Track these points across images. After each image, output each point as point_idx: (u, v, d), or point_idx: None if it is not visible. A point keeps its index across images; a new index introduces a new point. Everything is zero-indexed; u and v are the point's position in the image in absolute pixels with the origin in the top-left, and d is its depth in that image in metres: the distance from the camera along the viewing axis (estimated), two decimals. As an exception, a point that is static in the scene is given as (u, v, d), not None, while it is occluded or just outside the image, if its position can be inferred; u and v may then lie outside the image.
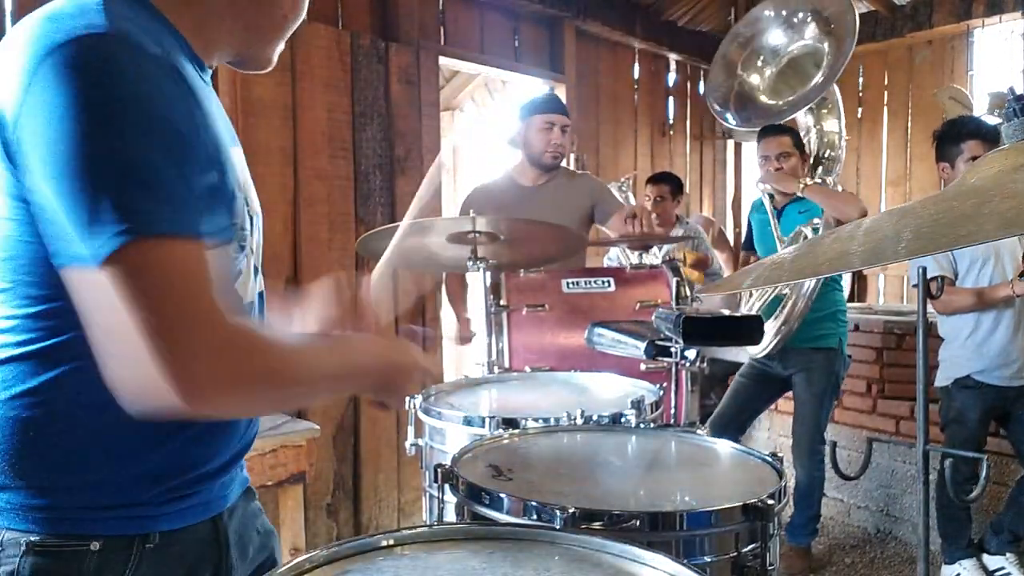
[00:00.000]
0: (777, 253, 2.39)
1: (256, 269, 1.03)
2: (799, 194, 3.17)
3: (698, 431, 1.44)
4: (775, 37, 3.39)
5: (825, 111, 3.47)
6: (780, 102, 3.35)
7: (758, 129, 3.41)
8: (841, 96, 6.09)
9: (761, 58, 3.43)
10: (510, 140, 3.19)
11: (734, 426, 3.39)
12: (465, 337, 3.27)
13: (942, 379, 3.06)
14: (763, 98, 3.37)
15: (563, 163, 3.17)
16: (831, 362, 3.20)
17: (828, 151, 3.47)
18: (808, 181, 3.15)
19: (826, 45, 3.23)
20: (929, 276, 2.91)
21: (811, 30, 3.33)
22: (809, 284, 3.03)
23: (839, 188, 3.33)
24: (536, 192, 3.04)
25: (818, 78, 3.27)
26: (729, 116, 3.59)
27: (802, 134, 3.52)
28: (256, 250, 1.02)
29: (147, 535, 0.89)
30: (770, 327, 3.08)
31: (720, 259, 4.44)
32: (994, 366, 2.94)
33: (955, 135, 2.99)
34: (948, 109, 5.09)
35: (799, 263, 0.99)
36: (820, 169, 3.47)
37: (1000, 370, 2.94)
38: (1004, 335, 2.92)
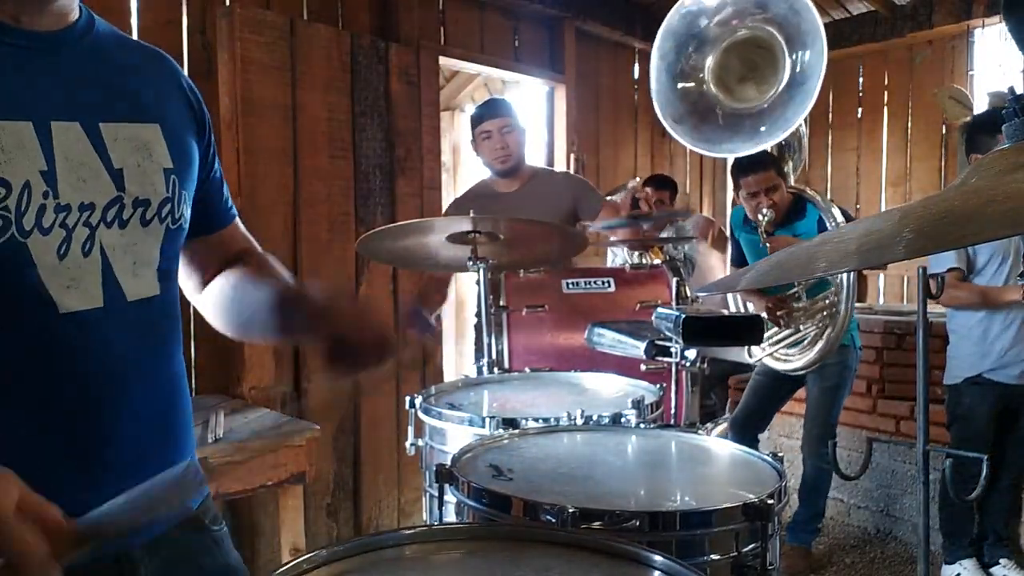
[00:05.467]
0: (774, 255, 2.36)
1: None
2: None
3: (698, 431, 1.44)
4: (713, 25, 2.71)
5: None
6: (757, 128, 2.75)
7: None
8: (842, 96, 6.11)
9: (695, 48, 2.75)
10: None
11: (756, 423, 3.37)
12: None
13: (951, 377, 3.04)
14: (731, 105, 2.78)
15: (531, 162, 3.13)
16: (845, 357, 3.19)
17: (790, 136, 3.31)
18: None
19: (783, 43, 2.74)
20: (946, 267, 2.89)
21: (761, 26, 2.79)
22: (846, 283, 2.99)
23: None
24: (513, 197, 3.01)
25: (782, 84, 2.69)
26: (685, 132, 2.88)
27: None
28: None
29: None
30: (816, 335, 3.06)
31: (719, 259, 4.44)
32: (1005, 365, 2.91)
33: (993, 126, 2.84)
34: (948, 109, 5.09)
35: (797, 263, 0.98)
36: (788, 165, 3.36)
37: (1011, 368, 2.91)
38: (1015, 334, 2.89)
